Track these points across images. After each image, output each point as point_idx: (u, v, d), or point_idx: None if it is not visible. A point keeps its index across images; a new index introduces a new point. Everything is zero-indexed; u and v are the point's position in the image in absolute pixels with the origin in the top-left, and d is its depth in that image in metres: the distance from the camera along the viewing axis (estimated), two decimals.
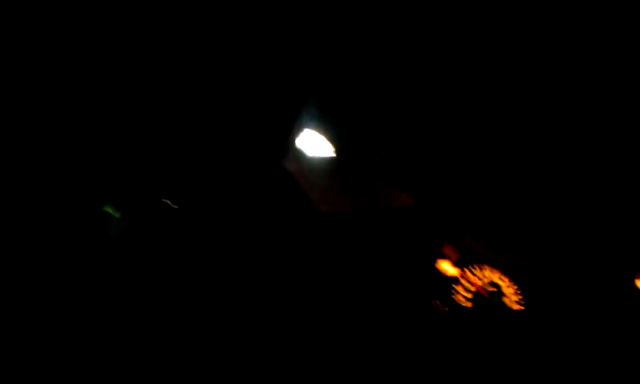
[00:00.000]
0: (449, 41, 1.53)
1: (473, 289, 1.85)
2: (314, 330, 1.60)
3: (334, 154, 1.65)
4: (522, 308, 1.79)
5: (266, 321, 1.55)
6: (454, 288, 1.85)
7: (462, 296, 1.85)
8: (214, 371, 1.42)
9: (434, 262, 1.85)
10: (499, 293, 1.84)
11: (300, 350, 1.52)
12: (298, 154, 1.68)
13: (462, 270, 1.86)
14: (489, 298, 1.84)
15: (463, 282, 1.86)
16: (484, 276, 1.87)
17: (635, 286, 1.63)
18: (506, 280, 1.85)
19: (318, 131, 1.66)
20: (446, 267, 1.88)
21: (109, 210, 1.54)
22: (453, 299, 1.84)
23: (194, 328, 1.49)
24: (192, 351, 1.44)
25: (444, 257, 1.88)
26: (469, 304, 1.85)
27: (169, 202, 1.63)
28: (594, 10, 1.48)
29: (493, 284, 1.85)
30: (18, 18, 1.42)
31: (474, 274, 1.86)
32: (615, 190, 1.61)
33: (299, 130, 1.71)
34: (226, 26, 1.58)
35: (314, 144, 1.68)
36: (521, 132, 1.72)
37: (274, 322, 1.56)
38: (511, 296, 1.83)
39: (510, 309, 1.81)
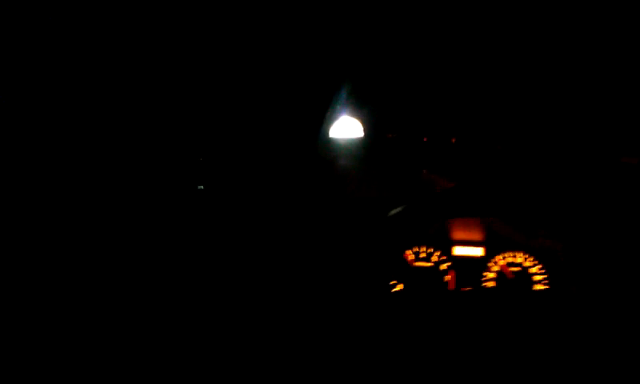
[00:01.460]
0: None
1: (497, 268, 1.93)
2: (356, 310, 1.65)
3: (364, 137, 1.79)
4: (547, 287, 1.86)
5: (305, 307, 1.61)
6: (478, 268, 1.93)
7: (486, 276, 1.93)
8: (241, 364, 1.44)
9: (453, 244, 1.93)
10: (523, 273, 1.91)
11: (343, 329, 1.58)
12: (332, 140, 1.82)
13: (488, 251, 1.95)
14: (513, 278, 1.91)
15: (489, 264, 1.94)
16: (508, 256, 1.94)
17: None
18: (531, 260, 1.92)
19: (354, 116, 1.80)
20: (472, 249, 1.96)
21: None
22: (477, 279, 1.92)
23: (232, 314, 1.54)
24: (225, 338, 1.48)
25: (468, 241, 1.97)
26: (492, 284, 1.92)
27: (203, 188, 1.72)
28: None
29: (516, 264, 1.93)
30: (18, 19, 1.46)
31: (498, 255, 1.94)
32: None
33: (335, 116, 1.85)
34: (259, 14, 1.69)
35: (348, 129, 1.83)
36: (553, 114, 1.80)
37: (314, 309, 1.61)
38: (535, 276, 1.90)
39: (532, 289, 1.88)
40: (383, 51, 1.74)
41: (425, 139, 1.76)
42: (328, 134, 1.85)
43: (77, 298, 1.44)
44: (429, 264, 1.97)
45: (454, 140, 1.76)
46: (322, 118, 1.85)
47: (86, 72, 1.57)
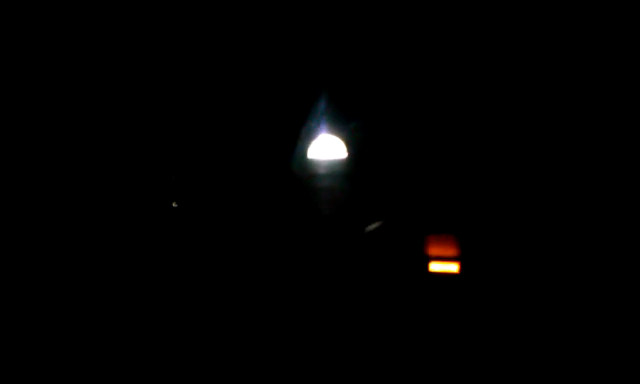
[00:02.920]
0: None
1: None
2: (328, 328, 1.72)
3: (346, 157, 1.77)
4: None
5: (272, 321, 1.63)
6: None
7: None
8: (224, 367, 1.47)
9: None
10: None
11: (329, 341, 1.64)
12: (310, 160, 1.78)
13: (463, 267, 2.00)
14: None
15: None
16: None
17: None
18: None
19: (334, 134, 1.76)
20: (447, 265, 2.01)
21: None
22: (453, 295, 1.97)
23: (200, 326, 1.55)
24: (201, 349, 1.50)
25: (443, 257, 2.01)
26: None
27: (176, 205, 1.66)
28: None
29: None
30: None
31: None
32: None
33: (313, 133, 1.81)
34: (232, 23, 1.62)
35: (328, 148, 1.80)
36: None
37: (284, 323, 1.64)
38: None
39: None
40: (371, 56, 1.69)
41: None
42: (305, 153, 1.80)
43: (66, 301, 1.45)
44: (405, 279, 2.01)
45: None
46: (298, 135, 1.80)
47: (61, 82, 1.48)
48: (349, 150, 1.77)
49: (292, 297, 1.74)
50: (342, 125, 1.78)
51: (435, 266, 1.99)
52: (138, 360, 1.40)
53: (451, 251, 2.00)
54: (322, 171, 1.77)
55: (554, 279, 1.84)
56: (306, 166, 1.80)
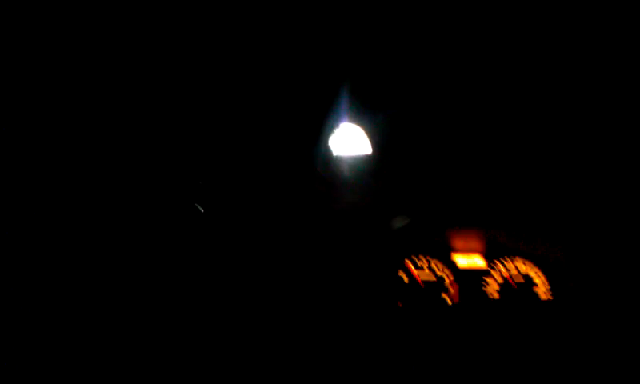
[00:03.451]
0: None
1: (500, 280, 1.89)
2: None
3: (371, 153, 1.60)
4: (551, 298, 1.85)
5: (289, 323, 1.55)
6: (483, 280, 1.88)
7: (490, 288, 1.89)
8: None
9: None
10: (528, 283, 1.89)
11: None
12: (331, 155, 1.63)
13: (492, 262, 1.90)
14: (517, 289, 1.88)
15: (493, 273, 1.89)
16: (512, 267, 1.91)
17: None
18: (536, 270, 1.89)
19: (357, 125, 1.60)
20: (475, 260, 1.91)
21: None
22: (482, 291, 1.88)
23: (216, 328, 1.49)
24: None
25: (473, 250, 1.91)
26: (496, 296, 1.89)
27: (199, 207, 1.59)
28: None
29: (522, 275, 1.90)
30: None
31: (502, 266, 1.90)
32: None
33: (334, 124, 1.65)
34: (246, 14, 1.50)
35: (350, 141, 1.63)
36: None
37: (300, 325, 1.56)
38: (540, 286, 1.88)
39: (538, 299, 1.87)
40: (395, 42, 1.53)
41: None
42: (327, 149, 1.65)
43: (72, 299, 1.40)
44: (431, 276, 1.92)
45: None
46: (320, 131, 1.66)
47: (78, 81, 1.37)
48: (373, 146, 1.60)
49: (312, 298, 1.64)
50: (367, 117, 1.60)
51: (462, 261, 1.88)
52: (146, 358, 1.40)
53: (477, 246, 1.91)
54: (345, 168, 1.62)
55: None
56: (330, 163, 1.64)
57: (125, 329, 1.41)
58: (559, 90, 1.68)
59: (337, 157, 1.62)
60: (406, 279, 1.88)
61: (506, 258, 1.91)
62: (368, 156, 1.60)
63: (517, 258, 1.91)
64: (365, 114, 1.63)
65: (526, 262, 1.90)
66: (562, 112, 1.73)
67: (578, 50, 1.59)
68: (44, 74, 1.42)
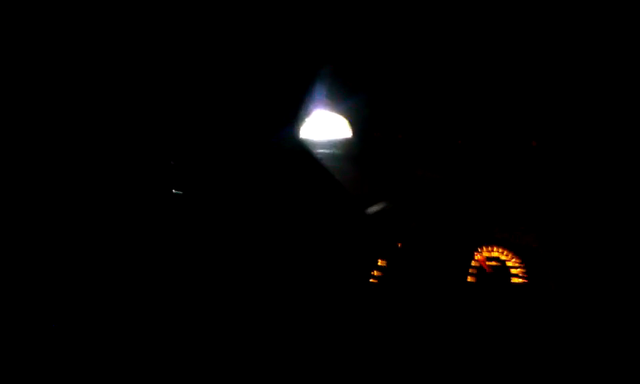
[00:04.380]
0: None
1: (475, 264, 1.92)
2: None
3: (351, 137, 1.58)
4: (525, 281, 1.89)
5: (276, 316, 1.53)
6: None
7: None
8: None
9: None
10: (502, 268, 1.92)
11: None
12: (305, 141, 1.59)
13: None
14: (491, 272, 1.92)
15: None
16: (486, 251, 1.94)
17: None
18: (509, 255, 1.93)
19: (333, 110, 1.57)
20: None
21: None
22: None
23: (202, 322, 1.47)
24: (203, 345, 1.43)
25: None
26: (471, 279, 1.92)
27: (175, 191, 1.53)
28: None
29: (495, 259, 1.93)
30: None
31: (477, 251, 1.93)
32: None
33: (308, 109, 1.61)
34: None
35: (326, 126, 1.60)
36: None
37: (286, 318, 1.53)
38: (512, 270, 1.92)
39: (511, 283, 1.91)
40: (375, 18, 1.50)
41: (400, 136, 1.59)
42: (298, 133, 1.59)
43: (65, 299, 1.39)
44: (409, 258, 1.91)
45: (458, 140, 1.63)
46: (293, 114, 1.61)
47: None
48: (354, 129, 1.57)
49: (292, 293, 1.61)
50: (344, 99, 1.57)
51: None
52: (137, 358, 1.38)
53: None
54: (322, 152, 1.58)
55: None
56: (304, 147, 1.60)
57: (108, 323, 1.39)
58: (543, 74, 1.69)
59: (313, 141, 1.59)
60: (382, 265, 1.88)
61: (483, 245, 1.93)
62: (348, 139, 1.58)
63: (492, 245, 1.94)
64: (343, 98, 1.60)
65: (500, 248, 1.93)
66: (544, 96, 1.74)
67: (556, 45, 1.61)
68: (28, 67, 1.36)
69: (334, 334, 1.57)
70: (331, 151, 1.57)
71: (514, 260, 1.94)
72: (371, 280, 1.85)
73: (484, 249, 1.96)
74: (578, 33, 1.58)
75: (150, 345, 1.40)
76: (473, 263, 1.94)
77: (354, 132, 1.54)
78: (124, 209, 1.52)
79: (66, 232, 1.45)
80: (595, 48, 1.61)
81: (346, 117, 1.56)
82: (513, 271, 1.94)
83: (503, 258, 1.95)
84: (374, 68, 1.54)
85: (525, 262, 1.93)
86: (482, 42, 1.49)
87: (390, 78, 1.52)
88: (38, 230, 1.44)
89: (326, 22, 1.55)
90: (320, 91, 1.62)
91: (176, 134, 1.54)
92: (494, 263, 1.95)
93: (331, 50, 1.55)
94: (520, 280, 1.93)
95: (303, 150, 1.60)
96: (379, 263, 1.88)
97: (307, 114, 1.64)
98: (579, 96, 1.77)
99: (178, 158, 1.55)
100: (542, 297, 1.78)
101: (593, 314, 1.67)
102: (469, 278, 1.93)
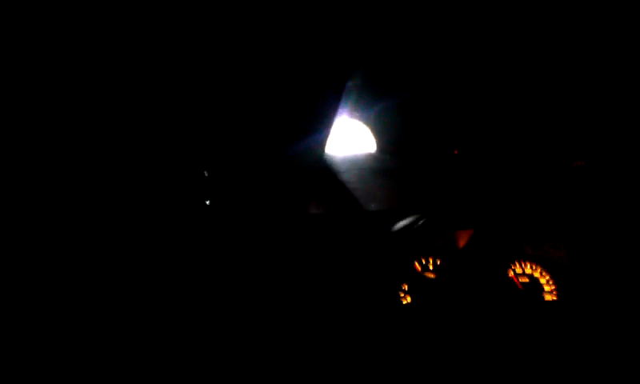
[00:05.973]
0: None
1: (506, 280, 1.84)
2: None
3: (376, 151, 1.48)
4: (555, 298, 1.81)
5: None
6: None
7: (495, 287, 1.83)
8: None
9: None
10: (533, 284, 1.83)
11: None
12: (330, 155, 1.50)
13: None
14: (522, 290, 1.83)
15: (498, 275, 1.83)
16: (517, 267, 1.86)
17: None
18: (539, 270, 1.84)
19: (359, 120, 1.47)
20: None
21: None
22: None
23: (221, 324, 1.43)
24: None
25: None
26: (502, 295, 1.83)
27: (207, 202, 1.48)
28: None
29: (526, 275, 1.85)
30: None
31: (507, 266, 1.84)
32: None
33: (333, 120, 1.52)
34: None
35: (352, 138, 1.52)
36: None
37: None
38: (544, 287, 1.83)
39: (542, 299, 1.82)
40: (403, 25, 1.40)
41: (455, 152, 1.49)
42: (323, 148, 1.51)
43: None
44: (436, 276, 1.84)
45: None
46: (315, 125, 1.53)
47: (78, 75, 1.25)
48: (378, 141, 1.49)
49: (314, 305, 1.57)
50: (370, 109, 1.49)
51: None
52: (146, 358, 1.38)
53: None
54: (345, 168, 1.51)
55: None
56: (326, 162, 1.52)
57: (123, 324, 1.36)
58: (567, 87, 1.62)
59: (337, 156, 1.51)
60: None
61: (513, 261, 1.85)
62: (372, 154, 1.50)
63: (520, 259, 1.85)
64: (368, 109, 1.52)
65: (531, 263, 1.85)
66: (567, 108, 1.67)
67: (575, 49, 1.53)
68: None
69: (361, 351, 1.52)
70: (355, 165, 1.50)
71: (546, 277, 1.86)
72: (400, 299, 1.79)
73: (517, 265, 1.89)
74: (604, 47, 1.50)
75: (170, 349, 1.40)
76: (503, 279, 1.86)
77: (379, 143, 1.46)
78: (152, 220, 1.49)
79: (93, 242, 1.43)
80: (620, 64, 1.53)
81: (372, 129, 1.48)
82: (545, 288, 1.86)
83: (536, 275, 1.86)
84: (402, 74, 1.45)
85: (556, 278, 1.84)
86: (517, 50, 1.40)
87: (420, 87, 1.43)
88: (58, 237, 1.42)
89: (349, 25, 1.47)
90: (345, 100, 1.54)
91: (204, 145, 1.49)
92: (526, 280, 1.86)
93: (358, 62, 1.48)
94: (551, 297, 1.84)
95: (326, 165, 1.53)
96: (404, 287, 1.81)
97: (331, 125, 1.57)
98: (611, 113, 1.69)
99: (211, 169, 1.50)
100: (573, 313, 1.70)
101: (621, 329, 1.60)
102: (500, 295, 1.85)
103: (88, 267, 1.40)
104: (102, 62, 1.25)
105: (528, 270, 1.84)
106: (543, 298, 1.81)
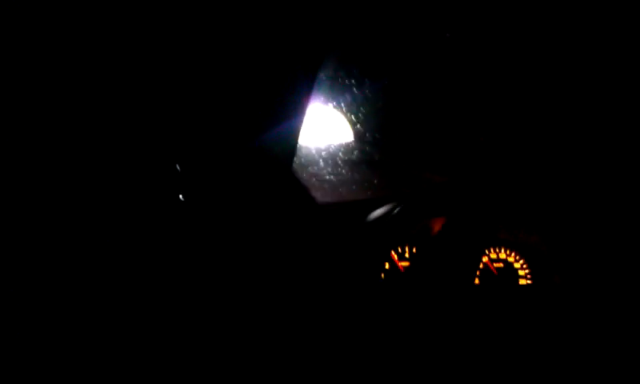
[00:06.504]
0: None
1: (480, 265, 1.85)
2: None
3: (352, 140, 1.43)
4: (530, 282, 1.83)
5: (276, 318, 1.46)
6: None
7: None
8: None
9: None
10: (507, 268, 1.85)
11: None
12: (304, 146, 1.44)
13: None
14: (497, 275, 1.85)
15: None
16: (492, 252, 1.87)
17: None
18: (514, 255, 1.86)
19: (336, 108, 1.41)
20: None
21: None
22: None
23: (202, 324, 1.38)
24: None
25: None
26: (476, 280, 1.85)
27: (180, 197, 1.40)
28: None
29: (500, 260, 1.86)
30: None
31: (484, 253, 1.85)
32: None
33: (305, 106, 1.46)
34: None
35: (327, 127, 1.45)
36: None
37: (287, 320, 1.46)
38: (519, 271, 1.86)
39: (517, 283, 1.85)
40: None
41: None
42: (297, 138, 1.44)
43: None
44: (411, 264, 1.83)
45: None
46: (286, 112, 1.45)
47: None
48: (354, 131, 1.43)
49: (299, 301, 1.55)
50: (346, 96, 1.43)
51: None
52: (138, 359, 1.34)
53: None
54: (319, 158, 1.45)
55: None
56: (298, 153, 1.46)
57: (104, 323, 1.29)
58: (552, 82, 1.60)
59: (311, 146, 1.45)
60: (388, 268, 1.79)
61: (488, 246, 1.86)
62: (348, 144, 1.45)
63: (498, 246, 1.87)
64: (344, 96, 1.46)
65: (505, 248, 1.87)
66: (548, 101, 1.66)
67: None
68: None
69: (339, 334, 1.51)
70: (330, 155, 1.44)
71: (520, 261, 1.88)
72: (378, 283, 1.79)
73: (491, 250, 1.90)
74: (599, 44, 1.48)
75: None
76: (480, 265, 1.87)
77: (356, 133, 1.40)
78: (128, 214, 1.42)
79: (69, 236, 1.35)
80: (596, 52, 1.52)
81: (349, 116, 1.42)
82: (519, 273, 1.88)
83: (510, 259, 1.88)
84: (380, 59, 1.38)
85: (530, 262, 1.87)
86: (477, 36, 1.36)
87: (395, 76, 1.38)
88: (38, 230, 1.35)
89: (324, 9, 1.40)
90: (319, 85, 1.47)
91: (179, 137, 1.40)
92: (500, 265, 1.88)
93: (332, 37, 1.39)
94: (526, 281, 1.87)
95: (300, 155, 1.47)
96: (385, 266, 1.80)
97: (304, 112, 1.50)
98: (581, 97, 1.68)
99: (184, 162, 1.42)
100: (548, 297, 1.72)
101: (598, 313, 1.64)
102: (476, 280, 1.87)
103: (64, 265, 1.34)
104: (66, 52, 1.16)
105: (502, 255, 1.86)
106: (518, 282, 1.84)
